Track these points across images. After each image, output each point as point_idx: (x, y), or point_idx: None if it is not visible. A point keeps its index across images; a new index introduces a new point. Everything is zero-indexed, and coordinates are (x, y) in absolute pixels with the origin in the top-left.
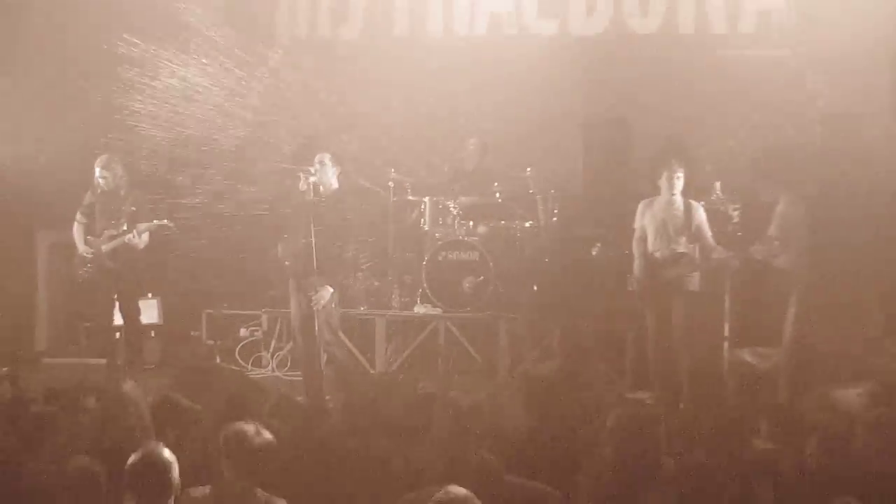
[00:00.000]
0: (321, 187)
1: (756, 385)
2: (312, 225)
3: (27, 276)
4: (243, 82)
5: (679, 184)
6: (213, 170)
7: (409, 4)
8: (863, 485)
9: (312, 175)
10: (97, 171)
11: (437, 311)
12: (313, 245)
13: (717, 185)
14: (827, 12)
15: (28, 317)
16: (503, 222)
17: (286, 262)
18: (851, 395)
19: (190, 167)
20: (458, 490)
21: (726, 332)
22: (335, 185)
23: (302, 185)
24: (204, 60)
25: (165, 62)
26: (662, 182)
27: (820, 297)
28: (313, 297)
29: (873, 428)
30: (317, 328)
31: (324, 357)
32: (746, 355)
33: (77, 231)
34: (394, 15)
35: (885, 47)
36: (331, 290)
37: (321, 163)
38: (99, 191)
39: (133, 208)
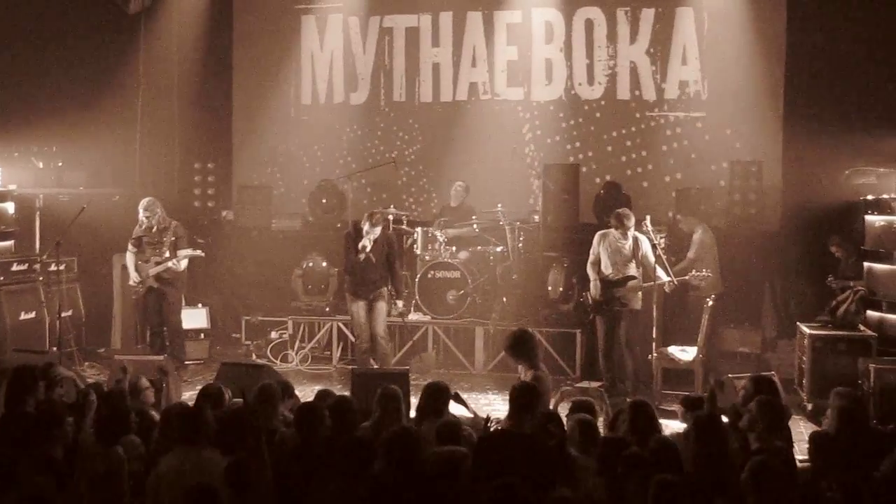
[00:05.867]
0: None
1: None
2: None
3: (106, 291)
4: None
5: (632, 231)
6: (253, 206)
7: (405, 76)
8: None
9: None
10: (140, 211)
11: (427, 318)
12: (369, 263)
13: (648, 218)
14: (731, 83)
15: (107, 323)
16: (479, 248)
17: (347, 276)
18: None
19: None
20: None
21: (654, 335)
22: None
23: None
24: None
25: None
26: (620, 229)
27: (726, 306)
28: (374, 302)
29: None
30: (373, 323)
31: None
32: (671, 353)
33: (129, 259)
34: (393, 85)
35: (775, 111)
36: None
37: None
38: (143, 226)
39: (173, 238)
